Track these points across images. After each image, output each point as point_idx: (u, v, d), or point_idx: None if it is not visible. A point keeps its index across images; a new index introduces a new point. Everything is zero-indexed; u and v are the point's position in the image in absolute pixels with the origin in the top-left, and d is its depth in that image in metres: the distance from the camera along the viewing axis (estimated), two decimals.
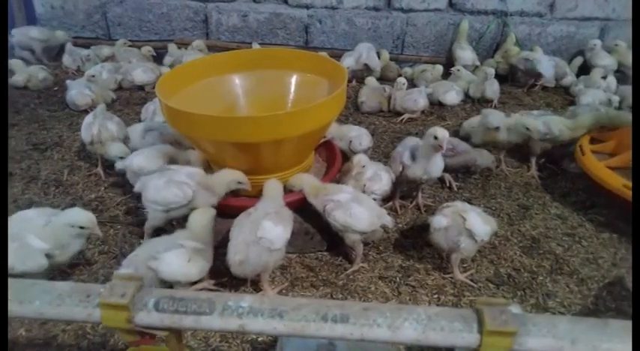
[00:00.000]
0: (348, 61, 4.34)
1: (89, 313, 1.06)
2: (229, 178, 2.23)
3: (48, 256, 1.90)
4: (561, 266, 2.30)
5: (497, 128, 2.97)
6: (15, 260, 1.82)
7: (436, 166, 2.45)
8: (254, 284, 2.14)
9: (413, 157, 2.49)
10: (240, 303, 1.05)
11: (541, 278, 2.22)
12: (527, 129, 2.91)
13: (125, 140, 2.83)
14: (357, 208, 2.12)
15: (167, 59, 4.51)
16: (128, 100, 4.01)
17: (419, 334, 1.03)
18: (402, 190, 2.74)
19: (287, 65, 2.63)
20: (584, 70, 4.55)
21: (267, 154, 2.24)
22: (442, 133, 2.30)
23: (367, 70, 4.40)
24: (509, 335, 1.01)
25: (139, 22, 4.87)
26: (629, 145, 2.64)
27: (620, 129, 2.91)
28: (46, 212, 2.03)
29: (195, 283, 2.02)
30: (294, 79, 2.63)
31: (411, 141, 2.66)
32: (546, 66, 4.28)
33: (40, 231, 1.91)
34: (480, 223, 2.07)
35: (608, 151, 2.78)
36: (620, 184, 2.42)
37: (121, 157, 2.62)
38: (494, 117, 3.02)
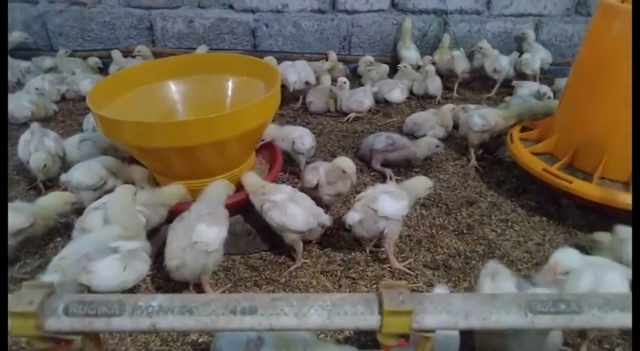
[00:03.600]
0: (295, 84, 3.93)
1: None
2: (180, 192, 2.26)
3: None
4: (494, 250, 2.42)
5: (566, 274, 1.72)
6: None
7: None
8: (197, 287, 2.16)
9: None
10: (151, 302, 1.08)
11: (474, 262, 2.34)
12: None
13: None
14: (293, 207, 2.17)
15: (113, 68, 4.44)
16: (71, 111, 3.94)
17: (324, 320, 1.09)
18: None
19: (222, 69, 2.66)
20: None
21: (205, 157, 2.26)
22: None
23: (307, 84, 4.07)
24: (407, 314, 1.08)
25: (81, 31, 4.78)
26: (554, 131, 2.81)
27: (545, 118, 3.09)
28: None
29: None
30: (230, 83, 2.67)
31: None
32: (462, 66, 4.34)
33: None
34: (392, 204, 2.15)
35: (534, 139, 2.94)
36: (539, 168, 2.58)
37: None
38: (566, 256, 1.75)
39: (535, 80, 4.35)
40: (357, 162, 3.23)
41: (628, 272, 1.72)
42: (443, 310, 1.10)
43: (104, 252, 1.80)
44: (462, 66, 4.34)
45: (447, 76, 4.46)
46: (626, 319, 1.08)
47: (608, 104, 2.45)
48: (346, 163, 2.37)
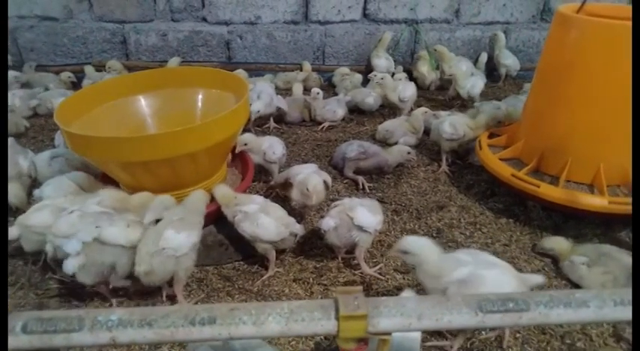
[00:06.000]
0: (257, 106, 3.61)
1: None
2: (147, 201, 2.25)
3: None
4: None
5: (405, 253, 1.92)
6: None
7: None
8: (171, 299, 2.16)
9: None
10: (110, 316, 1.09)
11: None
12: None
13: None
14: (265, 218, 2.20)
15: (86, 82, 4.42)
16: (43, 127, 3.91)
17: (282, 327, 1.11)
18: None
19: (192, 83, 2.69)
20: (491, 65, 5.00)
21: (175, 170, 2.27)
22: None
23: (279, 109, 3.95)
24: (362, 318, 1.11)
25: (53, 46, 4.76)
26: (519, 137, 2.90)
27: (512, 124, 3.19)
28: None
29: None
30: (200, 96, 2.70)
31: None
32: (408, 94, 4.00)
33: None
34: (368, 216, 2.20)
35: (502, 145, 3.03)
36: (508, 173, 2.65)
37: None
38: (411, 239, 1.94)
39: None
40: (331, 170, 3.29)
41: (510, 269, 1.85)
42: (397, 313, 1.13)
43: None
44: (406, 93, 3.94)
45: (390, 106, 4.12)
46: (569, 314, 1.14)
47: (568, 110, 2.55)
48: (311, 182, 2.40)
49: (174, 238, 1.97)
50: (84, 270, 1.95)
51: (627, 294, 1.15)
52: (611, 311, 1.14)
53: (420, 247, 1.83)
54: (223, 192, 2.33)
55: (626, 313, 1.13)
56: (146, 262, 1.94)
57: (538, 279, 1.88)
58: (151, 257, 1.94)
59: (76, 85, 4.53)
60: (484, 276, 1.74)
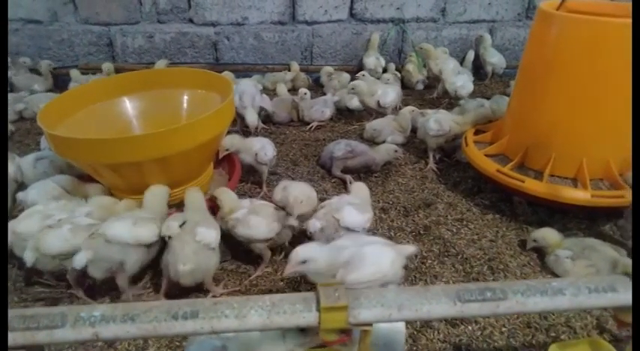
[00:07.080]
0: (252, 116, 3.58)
1: None
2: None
3: None
4: (448, 249, 2.50)
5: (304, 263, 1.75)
6: None
7: None
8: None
9: None
10: (93, 312, 1.10)
11: (430, 262, 2.41)
12: None
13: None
14: (255, 218, 2.21)
15: (72, 85, 4.39)
16: (29, 131, 3.88)
17: (264, 320, 1.13)
18: None
19: (178, 84, 2.70)
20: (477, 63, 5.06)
21: (159, 171, 2.27)
22: None
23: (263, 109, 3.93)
24: (343, 309, 1.13)
25: (38, 49, 4.73)
26: (504, 133, 2.94)
27: (497, 120, 3.22)
28: None
29: None
30: (186, 97, 2.70)
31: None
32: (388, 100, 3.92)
33: None
34: (355, 216, 2.19)
35: (487, 141, 3.06)
36: (494, 169, 2.68)
37: None
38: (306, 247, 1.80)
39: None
40: (319, 169, 3.30)
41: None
42: (377, 304, 1.15)
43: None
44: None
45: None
46: (546, 302, 1.16)
47: (550, 106, 2.57)
48: (292, 193, 2.30)
49: (208, 233, 2.04)
50: (93, 264, 1.97)
51: (601, 282, 1.18)
52: (585, 298, 1.17)
53: (316, 250, 1.75)
54: (230, 204, 2.30)
55: (600, 300, 1.16)
56: (192, 260, 1.97)
57: (411, 248, 1.94)
58: (195, 255, 1.98)
59: (56, 78, 4.54)
60: (364, 253, 1.76)
